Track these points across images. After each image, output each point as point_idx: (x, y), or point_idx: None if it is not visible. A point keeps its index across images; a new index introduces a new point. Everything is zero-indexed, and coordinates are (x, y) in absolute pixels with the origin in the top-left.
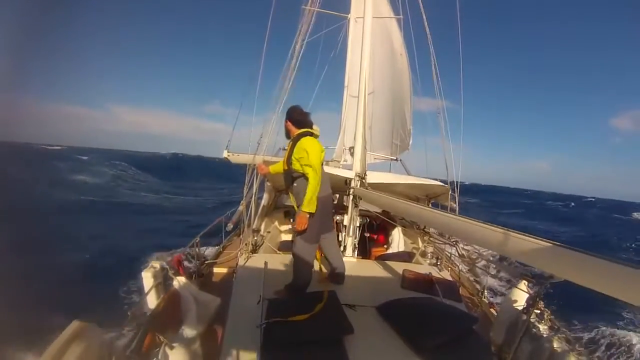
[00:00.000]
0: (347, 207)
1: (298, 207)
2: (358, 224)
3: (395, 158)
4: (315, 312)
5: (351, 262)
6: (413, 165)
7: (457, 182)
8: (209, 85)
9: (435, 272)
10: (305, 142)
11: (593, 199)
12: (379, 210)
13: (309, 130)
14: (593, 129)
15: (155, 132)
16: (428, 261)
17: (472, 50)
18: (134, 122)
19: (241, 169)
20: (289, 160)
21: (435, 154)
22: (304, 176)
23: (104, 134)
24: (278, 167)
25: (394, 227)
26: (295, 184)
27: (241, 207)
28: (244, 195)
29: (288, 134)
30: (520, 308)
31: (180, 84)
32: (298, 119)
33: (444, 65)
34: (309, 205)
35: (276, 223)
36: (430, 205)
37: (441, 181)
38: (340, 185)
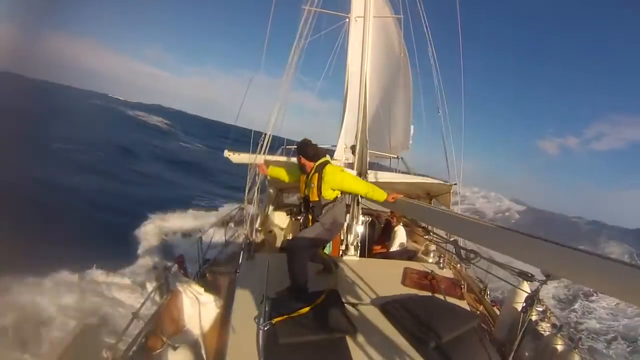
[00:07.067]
0: (349, 205)
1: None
2: (360, 223)
3: (396, 156)
4: (316, 303)
5: (353, 260)
6: (414, 163)
7: (458, 179)
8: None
9: (437, 271)
10: (332, 169)
11: None
12: (381, 209)
13: (325, 159)
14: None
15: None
16: (430, 260)
17: (471, 53)
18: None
19: None
20: (319, 192)
21: (434, 151)
22: (332, 202)
23: None
24: (277, 170)
25: (395, 225)
26: (323, 211)
27: (243, 207)
28: (246, 194)
29: (303, 169)
30: (522, 307)
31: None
32: (313, 154)
33: (444, 65)
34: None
35: (278, 222)
36: (432, 204)
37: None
38: None
